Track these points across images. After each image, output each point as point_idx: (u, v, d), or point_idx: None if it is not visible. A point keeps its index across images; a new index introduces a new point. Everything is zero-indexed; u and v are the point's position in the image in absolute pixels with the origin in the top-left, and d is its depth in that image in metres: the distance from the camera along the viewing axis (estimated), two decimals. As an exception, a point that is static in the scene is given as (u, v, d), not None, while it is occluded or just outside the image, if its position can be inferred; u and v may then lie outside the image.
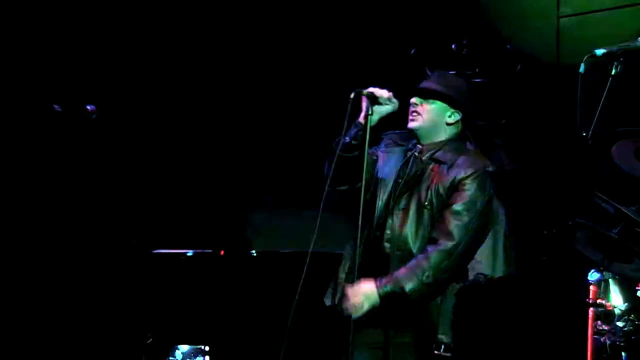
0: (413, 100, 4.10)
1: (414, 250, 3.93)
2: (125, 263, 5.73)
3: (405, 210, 3.98)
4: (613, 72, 3.39)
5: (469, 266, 4.06)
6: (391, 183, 4.06)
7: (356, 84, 3.99)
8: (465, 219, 3.89)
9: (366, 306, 3.87)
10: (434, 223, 3.93)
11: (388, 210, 4.01)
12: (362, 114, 3.96)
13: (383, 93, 3.96)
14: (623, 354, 4.17)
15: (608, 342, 4.21)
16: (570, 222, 3.46)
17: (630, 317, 4.18)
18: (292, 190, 6.11)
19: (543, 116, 5.43)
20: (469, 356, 3.99)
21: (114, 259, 5.83)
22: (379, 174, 4.11)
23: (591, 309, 4.33)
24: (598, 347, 4.24)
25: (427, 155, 4.05)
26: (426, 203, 3.95)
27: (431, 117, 4.08)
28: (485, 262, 5.21)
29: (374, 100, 3.95)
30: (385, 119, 4.06)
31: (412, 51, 5.64)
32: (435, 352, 3.88)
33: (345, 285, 3.94)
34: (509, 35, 5.61)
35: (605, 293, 4.31)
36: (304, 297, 3.85)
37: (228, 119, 6.25)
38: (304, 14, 6.12)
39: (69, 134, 5.34)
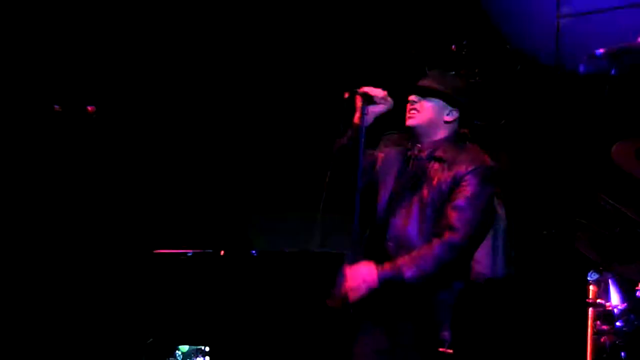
0: (411, 97, 4.11)
1: None
2: (125, 263, 5.73)
3: (408, 208, 3.99)
4: (613, 72, 3.40)
5: (457, 282, 4.06)
6: (392, 183, 4.07)
7: (357, 85, 3.99)
8: (468, 213, 3.90)
9: (364, 290, 3.87)
10: (436, 221, 3.94)
11: (390, 210, 4.02)
12: (357, 115, 3.96)
13: (377, 92, 3.97)
14: (622, 353, 4.18)
15: (608, 342, 4.22)
16: (570, 222, 3.47)
17: (630, 317, 4.19)
18: (293, 190, 6.12)
19: (543, 116, 5.43)
20: (469, 356, 3.99)
21: (114, 259, 5.84)
22: (379, 175, 4.12)
23: (591, 308, 4.33)
24: (598, 347, 4.25)
25: (427, 153, 4.06)
26: (428, 201, 3.96)
27: (429, 114, 4.09)
28: (485, 262, 5.20)
29: (368, 99, 3.95)
30: (383, 119, 4.06)
31: (412, 52, 5.64)
32: (440, 349, 3.89)
33: (345, 268, 3.93)
34: (508, 35, 5.61)
35: (605, 293, 4.31)
36: (305, 298, 3.85)
37: (228, 119, 6.25)
38: (304, 15, 6.12)
39: (69, 134, 5.33)
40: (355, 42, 5.97)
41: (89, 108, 4.22)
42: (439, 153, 4.04)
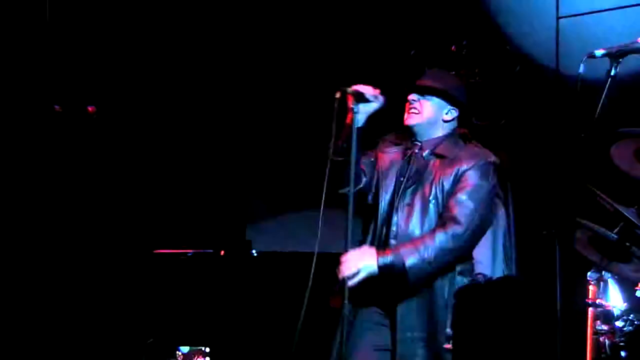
0: (411, 96, 4.11)
1: None
2: (125, 263, 5.73)
3: (410, 206, 3.99)
4: (612, 72, 3.40)
5: (462, 277, 4.06)
6: (393, 182, 4.07)
7: (350, 84, 3.98)
8: (471, 206, 3.91)
9: (363, 273, 3.87)
10: (439, 217, 3.95)
11: (393, 208, 4.02)
12: (349, 115, 3.95)
13: (368, 90, 3.95)
14: (622, 353, 4.18)
15: (607, 342, 4.22)
16: (569, 222, 3.47)
17: (630, 317, 4.19)
18: (293, 190, 6.12)
19: (542, 117, 5.43)
20: (469, 356, 3.99)
21: (114, 259, 5.84)
22: (379, 175, 4.12)
23: (590, 309, 4.33)
24: (597, 346, 4.25)
25: (428, 151, 4.07)
26: (431, 198, 3.97)
27: (429, 113, 4.10)
28: (485, 262, 5.21)
29: (359, 98, 3.94)
30: (383, 119, 4.06)
31: (412, 52, 5.65)
32: (445, 345, 3.89)
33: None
34: (508, 35, 5.61)
35: (605, 293, 4.31)
36: (311, 297, 3.85)
37: (228, 119, 6.26)
38: (305, 16, 6.12)
39: (69, 134, 5.34)
40: (355, 43, 5.97)
41: (90, 108, 4.22)
42: (439, 150, 4.05)
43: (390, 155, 4.16)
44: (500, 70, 5.53)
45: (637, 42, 3.45)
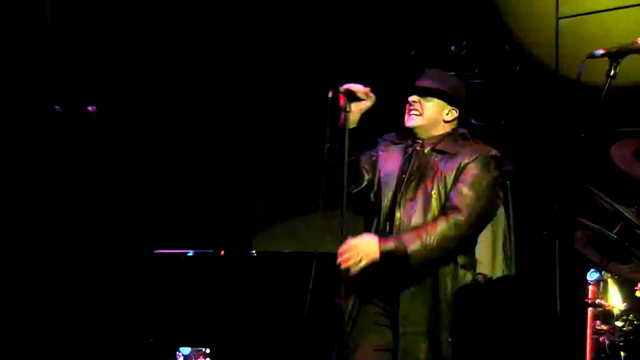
0: (411, 98, 4.11)
1: None
2: (125, 263, 5.73)
3: (413, 201, 4.00)
4: (612, 72, 3.40)
5: (464, 271, 4.06)
6: (395, 179, 4.08)
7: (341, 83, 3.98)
8: (472, 196, 3.93)
9: (364, 260, 3.86)
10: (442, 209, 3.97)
11: (395, 204, 4.02)
12: (343, 115, 3.95)
13: (359, 88, 3.95)
14: (622, 353, 4.18)
15: (607, 341, 4.22)
16: (569, 223, 3.47)
17: (629, 317, 4.19)
18: (293, 190, 6.12)
19: (542, 117, 5.43)
20: (468, 356, 4.00)
21: (114, 259, 5.84)
22: (381, 173, 4.13)
23: (590, 308, 4.33)
24: (597, 347, 4.25)
25: (429, 147, 4.08)
26: (433, 192, 3.98)
27: (430, 114, 4.11)
28: (485, 262, 5.22)
29: (351, 96, 3.94)
30: (382, 118, 4.06)
31: (412, 52, 5.65)
32: (450, 339, 3.90)
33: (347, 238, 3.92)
34: (508, 35, 5.62)
35: (604, 293, 4.31)
36: (311, 298, 3.85)
37: (228, 119, 6.26)
38: (304, 16, 6.13)
39: (69, 135, 5.34)
40: (355, 43, 5.97)
41: (90, 109, 4.22)
42: (440, 146, 4.07)
43: (391, 153, 4.17)
44: (500, 70, 5.53)
45: (637, 42, 3.46)
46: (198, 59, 6.22)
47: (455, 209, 3.91)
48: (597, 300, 4.33)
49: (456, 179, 3.97)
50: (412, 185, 4.03)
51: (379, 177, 4.12)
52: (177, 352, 5.38)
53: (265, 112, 6.23)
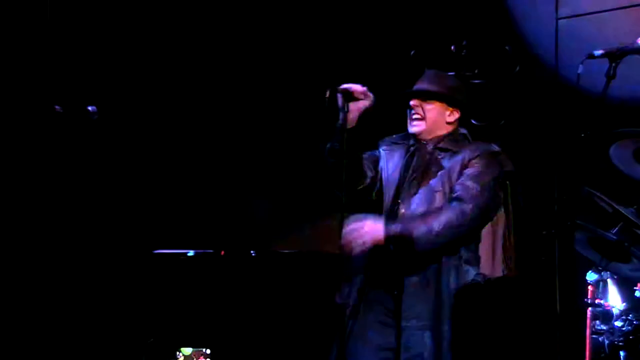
0: (412, 102, 4.12)
1: None
2: (126, 263, 5.73)
3: (416, 196, 4.01)
4: (612, 72, 3.41)
5: (467, 267, 4.07)
6: (397, 176, 4.08)
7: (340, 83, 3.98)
8: (477, 188, 3.95)
9: (369, 242, 3.88)
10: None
11: (397, 200, 4.03)
12: (341, 115, 3.95)
13: (357, 88, 3.96)
14: (621, 353, 4.19)
15: (606, 341, 4.23)
16: (569, 223, 3.48)
17: (629, 317, 4.20)
18: (293, 190, 6.12)
19: (542, 117, 5.44)
20: (468, 356, 4.00)
21: (114, 260, 5.84)
22: (383, 172, 4.14)
23: (589, 308, 4.34)
24: (596, 347, 4.26)
25: (432, 146, 4.09)
26: (437, 188, 4.00)
27: (432, 117, 4.12)
28: (485, 262, 5.22)
29: (348, 96, 3.94)
30: (382, 119, 4.07)
31: (412, 52, 5.65)
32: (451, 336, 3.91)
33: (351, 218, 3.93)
34: (508, 36, 5.62)
35: (604, 293, 4.33)
36: (310, 298, 3.85)
37: (228, 119, 6.26)
38: (304, 16, 6.13)
39: (69, 135, 5.34)
40: (355, 43, 5.97)
41: (90, 109, 4.22)
42: (443, 145, 4.09)
43: (393, 151, 4.18)
44: (499, 71, 5.53)
45: (637, 43, 3.47)
46: (198, 58, 6.22)
47: (461, 199, 3.93)
48: (597, 300, 4.34)
49: (460, 175, 3.99)
50: (415, 182, 4.05)
51: (382, 176, 4.13)
52: (178, 353, 5.39)
53: (265, 112, 6.23)
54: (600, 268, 4.32)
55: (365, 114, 3.99)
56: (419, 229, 3.86)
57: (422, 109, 4.11)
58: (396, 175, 4.10)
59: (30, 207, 5.67)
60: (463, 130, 4.19)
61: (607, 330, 4.24)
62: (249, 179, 6.30)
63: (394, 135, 4.25)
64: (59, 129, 4.60)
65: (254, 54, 6.25)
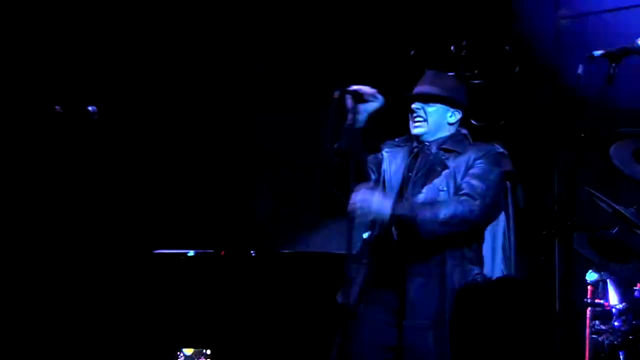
0: (414, 105, 4.12)
1: None
2: (126, 264, 5.74)
3: (421, 196, 4.01)
4: (612, 72, 3.41)
5: (471, 266, 4.07)
6: (401, 177, 4.08)
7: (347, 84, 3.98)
8: (483, 187, 3.95)
9: (374, 211, 3.89)
10: None
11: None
12: (350, 116, 3.95)
13: (367, 90, 3.96)
14: (620, 353, 4.19)
15: (606, 341, 4.23)
16: (569, 223, 3.48)
17: (628, 317, 4.20)
18: (294, 190, 6.12)
19: (542, 117, 5.44)
20: (468, 356, 4.00)
21: (114, 260, 5.84)
22: (385, 174, 4.14)
23: (589, 308, 4.34)
24: (596, 346, 4.26)
25: (435, 147, 4.10)
26: (442, 187, 3.99)
27: (434, 119, 4.12)
28: (484, 262, 5.22)
29: (358, 98, 3.95)
30: (383, 122, 4.07)
31: (412, 52, 5.65)
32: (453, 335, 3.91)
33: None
34: (508, 36, 5.62)
35: (603, 293, 4.33)
36: (310, 298, 3.85)
37: (229, 119, 6.26)
38: (304, 17, 6.13)
39: (70, 135, 5.35)
40: (354, 43, 5.98)
41: (90, 109, 4.22)
42: (447, 145, 4.09)
43: (395, 154, 4.18)
44: (499, 71, 5.54)
45: (636, 43, 3.47)
46: (199, 59, 6.22)
47: (467, 195, 3.94)
48: (596, 300, 4.34)
49: (465, 174, 4.00)
50: (419, 182, 4.05)
51: (384, 178, 4.13)
52: (179, 353, 5.39)
53: (265, 111, 6.24)
54: (599, 268, 4.31)
55: (374, 115, 4.01)
56: (425, 214, 3.88)
57: (424, 111, 4.11)
58: (399, 176, 4.10)
59: (30, 207, 5.68)
60: (464, 131, 4.19)
61: (606, 330, 4.24)
62: (248, 179, 6.31)
63: (396, 139, 4.25)
64: (59, 129, 4.60)
65: (254, 54, 6.25)
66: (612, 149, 4.08)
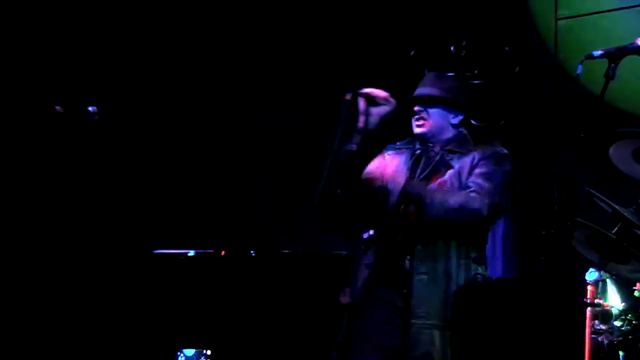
0: (416, 107, 4.12)
1: None
2: (125, 264, 5.74)
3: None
4: (611, 73, 3.41)
5: (476, 266, 4.08)
6: (404, 178, 4.08)
7: (358, 86, 3.99)
8: (490, 186, 3.98)
9: (387, 178, 3.97)
10: None
11: (403, 201, 4.02)
12: (362, 119, 3.96)
13: (379, 93, 3.97)
14: (620, 353, 4.19)
15: (605, 341, 4.23)
16: (569, 223, 3.48)
17: (628, 317, 4.20)
18: (294, 190, 6.12)
19: (542, 117, 5.44)
20: (469, 356, 4.01)
21: (114, 260, 5.84)
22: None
23: (589, 308, 4.34)
24: (596, 346, 4.26)
25: (439, 147, 4.10)
26: (447, 187, 3.99)
27: (436, 121, 4.13)
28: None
29: (370, 101, 3.96)
30: (384, 124, 4.07)
31: (412, 53, 5.65)
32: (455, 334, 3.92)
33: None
34: (508, 36, 5.62)
35: (603, 293, 4.32)
36: (311, 298, 3.85)
37: (229, 119, 6.26)
38: (304, 17, 6.14)
39: (70, 135, 5.35)
40: (354, 43, 5.98)
41: (90, 109, 4.23)
42: (451, 146, 4.10)
43: (399, 155, 4.19)
44: (499, 72, 5.54)
45: (636, 43, 3.47)
46: (199, 59, 6.22)
47: (476, 192, 3.96)
48: (596, 300, 4.34)
49: (470, 174, 4.01)
50: (424, 181, 4.05)
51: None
52: (180, 353, 5.38)
53: (266, 111, 6.24)
54: (599, 268, 4.31)
55: (386, 119, 4.02)
56: (435, 197, 3.92)
57: (426, 112, 4.12)
58: (402, 177, 4.10)
59: (30, 207, 5.68)
60: (465, 131, 4.19)
61: (606, 330, 4.23)
62: (248, 179, 6.31)
63: (397, 142, 4.26)
64: (59, 129, 4.61)
65: (254, 54, 6.26)
66: (612, 149, 4.07)
